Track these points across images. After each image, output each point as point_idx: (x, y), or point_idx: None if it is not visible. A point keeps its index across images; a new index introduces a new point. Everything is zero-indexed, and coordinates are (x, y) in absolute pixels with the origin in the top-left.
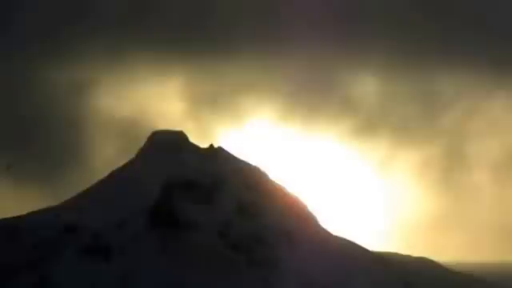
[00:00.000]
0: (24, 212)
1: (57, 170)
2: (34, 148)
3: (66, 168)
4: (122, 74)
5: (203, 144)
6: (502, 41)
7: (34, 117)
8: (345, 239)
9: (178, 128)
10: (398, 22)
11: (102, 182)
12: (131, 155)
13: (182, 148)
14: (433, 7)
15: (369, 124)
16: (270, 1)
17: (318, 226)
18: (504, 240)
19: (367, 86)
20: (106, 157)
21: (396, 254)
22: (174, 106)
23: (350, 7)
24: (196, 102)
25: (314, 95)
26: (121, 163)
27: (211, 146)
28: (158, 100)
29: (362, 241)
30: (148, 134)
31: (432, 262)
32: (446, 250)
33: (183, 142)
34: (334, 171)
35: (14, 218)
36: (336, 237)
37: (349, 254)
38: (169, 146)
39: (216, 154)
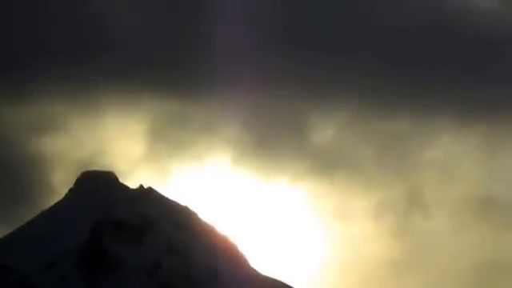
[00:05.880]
0: None
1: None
2: None
3: (15, 209)
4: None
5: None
6: (467, 85)
7: None
8: (274, 279)
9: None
10: (360, 63)
11: (31, 222)
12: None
13: (111, 188)
14: (395, 49)
15: (325, 167)
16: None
17: (248, 265)
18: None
19: (326, 127)
20: (58, 197)
21: None
22: (134, 146)
23: (309, 49)
24: (156, 142)
25: (270, 137)
26: None
27: (141, 186)
28: (119, 139)
29: (298, 282)
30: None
31: None
32: None
33: (113, 182)
34: (282, 214)
35: None
36: (266, 276)
37: None
38: (98, 186)
39: (146, 195)
